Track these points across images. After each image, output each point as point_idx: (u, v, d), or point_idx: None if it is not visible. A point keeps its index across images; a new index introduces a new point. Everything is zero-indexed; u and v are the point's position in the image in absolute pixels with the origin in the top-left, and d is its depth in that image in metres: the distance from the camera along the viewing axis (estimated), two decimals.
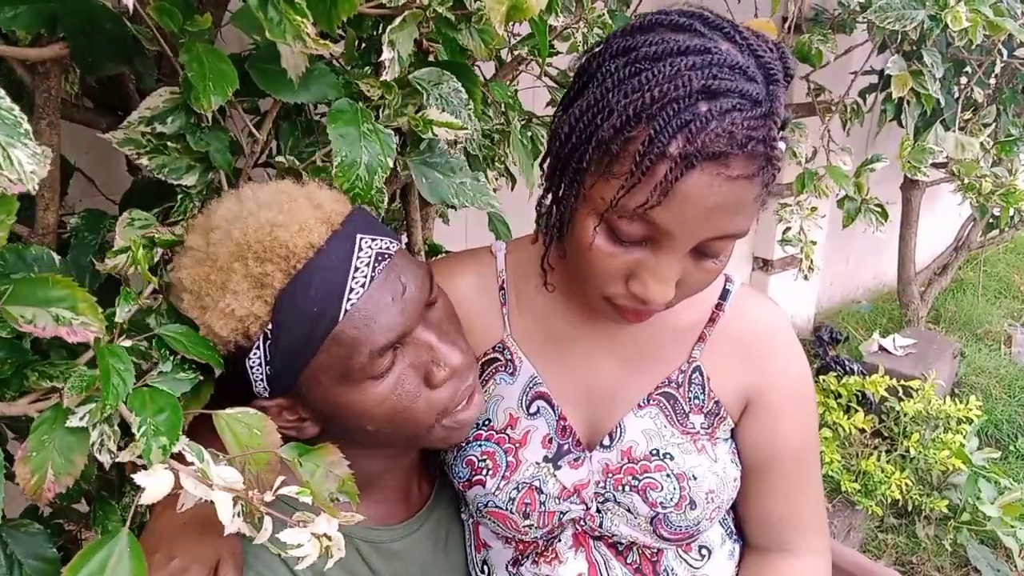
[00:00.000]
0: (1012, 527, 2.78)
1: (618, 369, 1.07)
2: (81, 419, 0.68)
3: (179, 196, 0.88)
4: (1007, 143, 2.47)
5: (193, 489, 0.61)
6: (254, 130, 0.91)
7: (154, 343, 0.74)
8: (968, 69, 2.63)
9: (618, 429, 1.05)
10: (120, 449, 0.69)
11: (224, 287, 0.79)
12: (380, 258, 0.83)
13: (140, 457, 0.65)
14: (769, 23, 1.75)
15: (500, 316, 1.09)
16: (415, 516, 1.06)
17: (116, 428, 0.69)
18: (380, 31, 0.95)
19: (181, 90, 0.83)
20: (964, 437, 3.12)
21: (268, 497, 0.63)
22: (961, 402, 3.21)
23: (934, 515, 3.06)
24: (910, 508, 3.08)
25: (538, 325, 1.08)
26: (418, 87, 0.94)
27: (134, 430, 0.64)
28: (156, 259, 0.84)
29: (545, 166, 0.93)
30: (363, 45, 1.16)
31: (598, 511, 1.05)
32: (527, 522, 1.04)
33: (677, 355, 1.08)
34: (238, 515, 0.65)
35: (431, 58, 1.04)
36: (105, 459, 0.69)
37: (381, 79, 0.89)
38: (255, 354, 0.80)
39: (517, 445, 1.05)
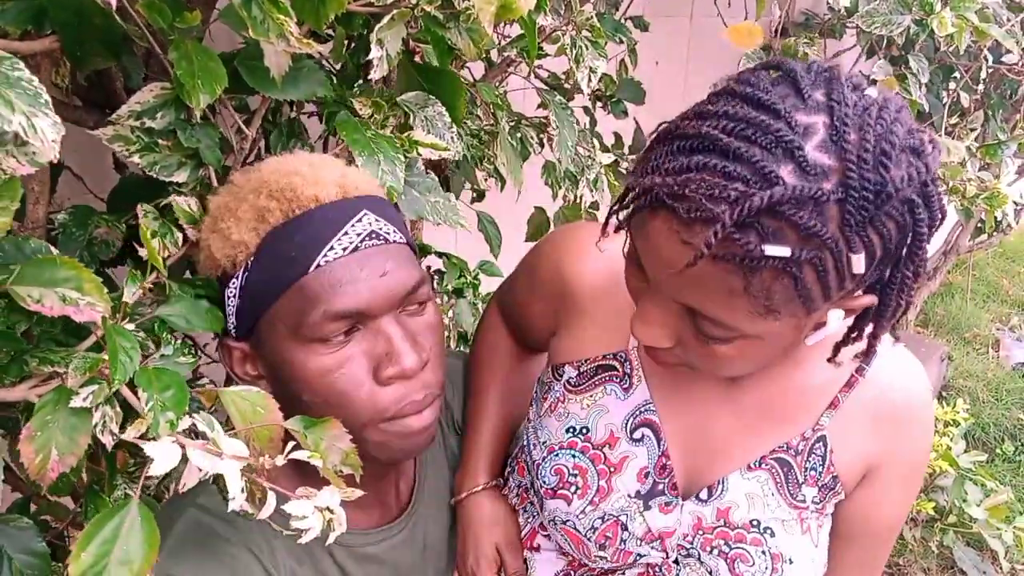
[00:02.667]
0: (998, 529, 2.81)
1: (735, 421, 0.98)
2: (84, 400, 0.69)
3: (172, 193, 0.90)
4: (991, 147, 2.51)
5: (201, 460, 0.63)
6: (243, 127, 0.93)
7: (156, 325, 0.76)
8: (956, 74, 2.67)
9: (720, 486, 0.97)
10: (122, 431, 0.71)
11: (234, 213, 0.84)
12: (373, 236, 0.85)
13: (142, 437, 0.67)
14: (756, 27, 1.78)
15: (627, 319, 0.92)
16: (394, 522, 1.03)
17: (118, 409, 0.71)
18: (369, 29, 0.97)
19: (172, 86, 0.85)
20: (951, 440, 3.14)
21: (280, 461, 0.65)
22: (948, 405, 3.24)
23: (921, 517, 3.08)
24: None
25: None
26: (405, 109, 0.99)
27: (141, 406, 0.66)
28: (180, 243, 0.87)
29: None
30: (352, 44, 1.18)
31: (676, 562, 0.98)
32: (600, 553, 0.98)
33: (803, 419, 0.97)
34: (242, 491, 0.66)
35: (418, 58, 1.06)
36: (107, 440, 0.71)
37: (372, 98, 0.92)
38: (233, 283, 0.84)
39: (612, 469, 0.98)
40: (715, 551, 0.95)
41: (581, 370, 1.02)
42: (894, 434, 0.97)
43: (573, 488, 0.98)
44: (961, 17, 1.54)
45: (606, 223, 0.90)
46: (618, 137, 1.99)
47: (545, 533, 1.08)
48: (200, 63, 0.79)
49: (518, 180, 1.35)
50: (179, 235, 0.87)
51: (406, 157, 0.99)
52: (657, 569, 0.99)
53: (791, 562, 0.95)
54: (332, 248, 0.82)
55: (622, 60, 1.90)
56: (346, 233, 0.83)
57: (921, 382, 0.99)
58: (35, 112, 0.54)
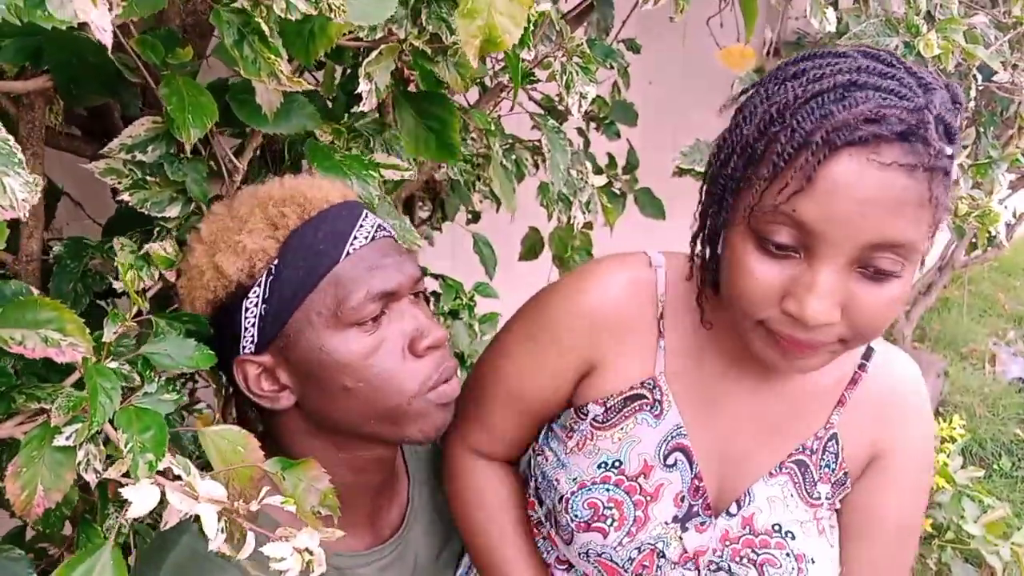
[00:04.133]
0: (995, 545, 2.80)
1: (756, 432, 1.00)
2: (68, 438, 0.70)
3: (157, 229, 0.91)
4: (982, 165, 2.51)
5: (179, 504, 0.63)
6: (234, 159, 0.94)
7: (139, 364, 0.77)
8: None
9: (747, 497, 0.99)
10: (106, 468, 0.71)
11: (241, 229, 0.87)
12: (381, 228, 0.92)
13: (126, 475, 0.67)
14: (749, 50, 1.79)
15: (655, 349, 0.99)
16: (385, 544, 1.05)
17: (102, 447, 0.72)
18: (361, 60, 0.98)
19: (163, 120, 0.87)
20: (948, 456, 3.14)
21: (254, 506, 0.66)
22: (945, 422, 3.24)
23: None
24: None
25: (692, 369, 1.00)
26: (365, 134, 1.02)
27: (121, 447, 0.67)
28: (155, 279, 0.88)
29: (698, 208, 0.92)
30: (347, 72, 1.19)
31: None
32: None
33: (815, 420, 1.01)
34: (221, 531, 0.67)
35: (411, 87, 1.07)
36: (91, 478, 0.71)
37: (332, 126, 0.96)
38: (255, 292, 0.86)
39: (648, 499, 0.98)
40: (744, 560, 0.97)
41: (608, 405, 1.01)
42: (893, 421, 1.01)
43: (609, 521, 0.98)
44: (947, 39, 1.56)
45: (697, 238, 0.93)
46: (612, 158, 1.99)
47: (563, 567, 1.09)
48: (191, 98, 0.80)
49: (511, 205, 1.36)
50: (155, 271, 0.87)
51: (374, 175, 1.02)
52: None
53: (814, 562, 0.97)
54: (356, 238, 0.88)
55: (615, 82, 1.90)
56: (362, 226, 0.89)
57: (915, 369, 1.05)
58: (7, 172, 0.55)
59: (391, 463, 1.04)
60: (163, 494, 0.65)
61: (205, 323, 0.86)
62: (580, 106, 1.27)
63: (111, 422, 0.68)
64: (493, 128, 1.31)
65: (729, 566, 0.98)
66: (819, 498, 1.00)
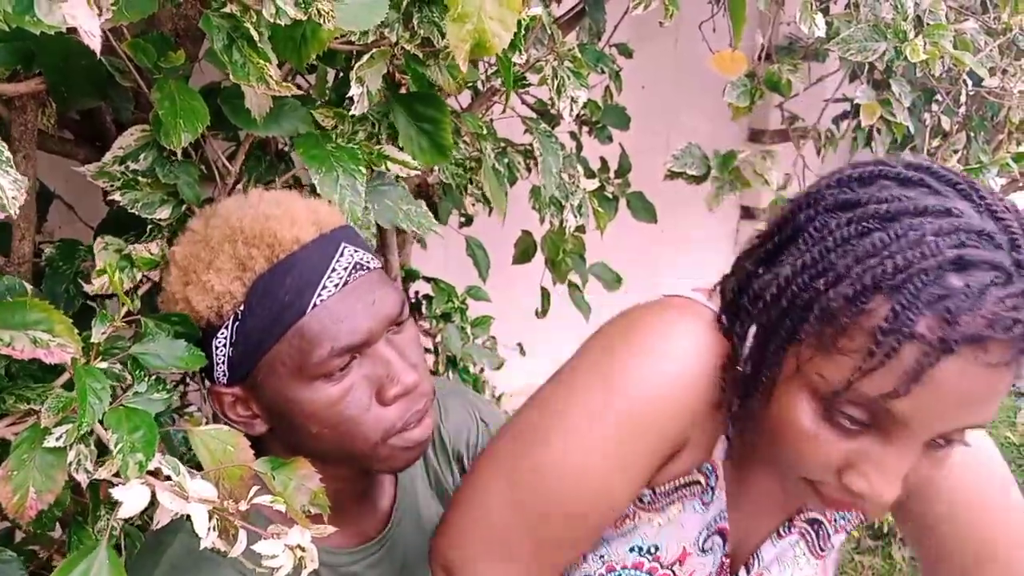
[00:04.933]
0: None
1: (770, 495, 0.92)
2: (58, 439, 0.70)
3: (148, 228, 0.91)
4: (973, 170, 2.53)
5: (169, 503, 0.63)
6: (226, 163, 0.94)
7: (129, 364, 0.77)
8: (938, 97, 2.69)
9: (755, 559, 0.94)
10: (97, 469, 0.71)
11: (210, 264, 0.84)
12: (358, 267, 0.87)
13: (116, 475, 0.68)
14: (740, 55, 1.80)
15: (716, 426, 0.85)
16: (371, 542, 1.04)
17: (93, 447, 0.72)
18: (353, 63, 0.99)
19: (151, 127, 0.87)
20: None
21: (243, 506, 0.66)
22: None
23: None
24: (886, 530, 3.11)
25: (738, 446, 0.89)
26: (373, 119, 1.00)
27: (111, 447, 0.67)
28: (138, 280, 0.88)
29: (746, 329, 0.79)
30: (339, 74, 1.20)
31: None
32: None
33: None
34: (213, 529, 0.67)
35: (403, 89, 1.08)
36: (82, 478, 0.72)
37: (335, 110, 0.94)
38: (222, 334, 0.85)
39: None
40: None
41: (658, 490, 0.88)
42: None
43: None
44: (935, 44, 1.57)
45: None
46: (604, 161, 2.00)
47: None
48: (183, 102, 0.80)
49: (502, 209, 1.37)
50: (137, 272, 0.88)
51: (373, 170, 1.01)
52: None
53: None
54: (324, 287, 0.84)
55: (607, 86, 1.91)
56: (334, 270, 0.85)
57: None
58: None
59: (370, 475, 1.04)
60: (154, 494, 0.65)
61: (195, 325, 0.86)
62: (571, 110, 1.28)
63: (101, 422, 0.69)
64: (485, 132, 1.32)
65: None
66: (832, 549, 0.97)
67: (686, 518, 0.89)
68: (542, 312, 2.03)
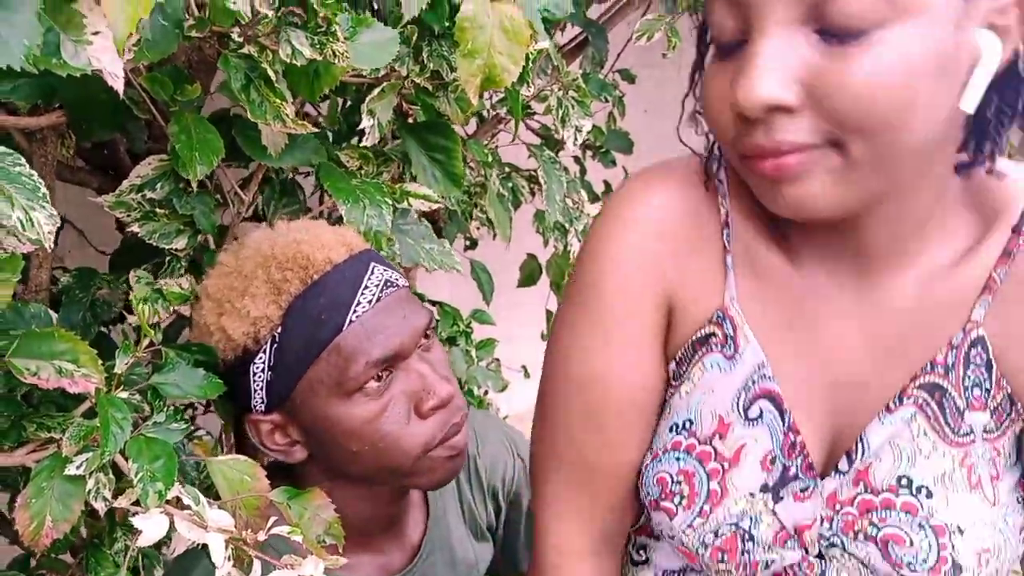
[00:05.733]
0: None
1: (869, 353, 0.75)
2: (79, 467, 0.71)
3: (168, 258, 0.93)
4: None
5: (187, 532, 0.65)
6: (240, 191, 0.96)
7: (149, 394, 0.79)
8: None
9: (859, 445, 0.74)
10: (115, 496, 0.73)
11: (244, 292, 0.87)
12: (388, 284, 0.90)
13: (135, 504, 0.69)
14: None
15: (722, 269, 0.76)
16: (404, 570, 1.05)
17: (111, 476, 0.73)
18: (362, 94, 1.01)
19: (169, 157, 0.89)
20: None
21: (261, 536, 0.67)
22: None
23: None
24: None
25: (773, 289, 0.76)
26: (394, 158, 1.01)
27: (131, 476, 0.68)
28: (169, 314, 0.90)
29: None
30: (347, 104, 1.22)
31: (820, 556, 0.75)
32: (720, 567, 0.77)
33: (948, 319, 0.72)
34: (228, 559, 0.69)
35: (410, 119, 1.10)
36: (100, 506, 0.73)
37: (359, 147, 0.96)
38: (260, 358, 0.87)
39: (725, 465, 0.76)
40: (860, 534, 0.73)
41: (678, 357, 0.79)
42: None
43: (677, 499, 0.77)
44: None
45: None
46: (608, 185, 2.02)
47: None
48: (199, 135, 0.82)
49: (506, 235, 1.39)
50: (168, 305, 0.89)
51: (396, 207, 1.03)
52: (796, 569, 0.76)
53: (961, 532, 0.71)
54: (359, 303, 0.87)
55: (610, 112, 1.94)
56: (366, 287, 0.88)
57: None
58: (33, 206, 0.57)
59: (407, 494, 1.05)
60: (172, 522, 0.66)
61: (214, 352, 0.88)
62: (576, 139, 1.30)
63: (122, 451, 0.70)
64: (491, 159, 1.34)
65: (842, 542, 0.74)
66: (971, 434, 0.72)
67: (711, 379, 0.77)
68: (547, 335, 2.04)
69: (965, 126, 0.68)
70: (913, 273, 0.73)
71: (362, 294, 0.88)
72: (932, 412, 0.73)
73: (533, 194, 1.65)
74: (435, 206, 1.04)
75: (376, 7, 0.96)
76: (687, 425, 0.78)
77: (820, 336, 0.75)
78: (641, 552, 0.88)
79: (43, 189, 0.58)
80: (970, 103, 0.62)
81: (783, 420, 0.75)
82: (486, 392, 1.99)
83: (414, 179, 1.06)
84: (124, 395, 0.77)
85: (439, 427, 0.92)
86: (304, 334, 0.86)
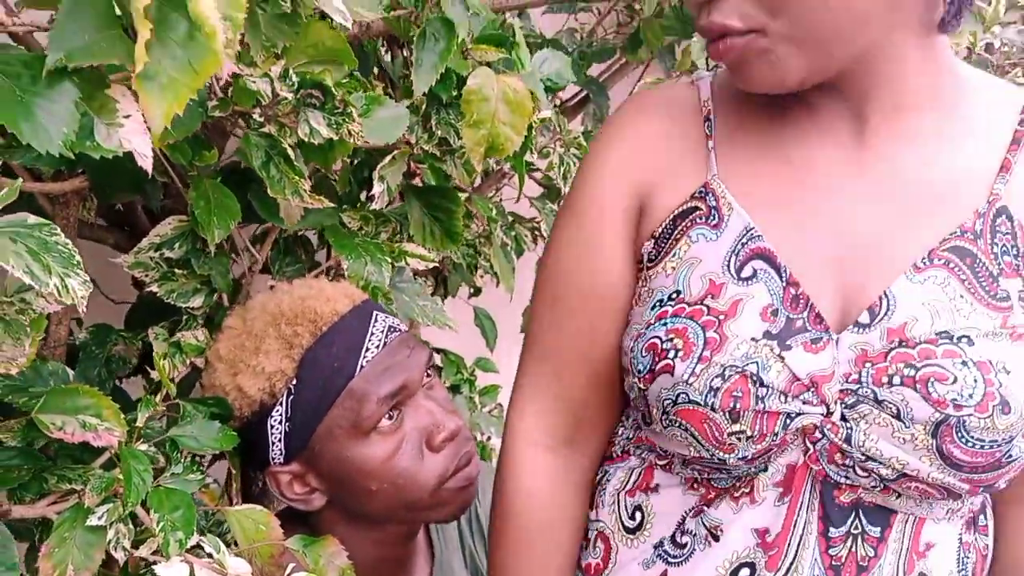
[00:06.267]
0: None
1: (884, 216, 0.76)
2: (100, 518, 0.75)
3: (185, 317, 0.97)
4: None
5: None
6: (253, 250, 1.00)
7: (167, 446, 0.82)
8: None
9: (884, 301, 0.73)
10: (135, 547, 0.76)
11: (257, 350, 0.91)
12: (392, 329, 0.96)
13: (156, 552, 0.73)
14: None
15: (704, 154, 0.81)
16: None
17: (131, 526, 0.77)
18: (373, 155, 1.06)
19: (187, 218, 0.93)
20: None
21: None
22: None
23: None
24: None
25: (762, 157, 0.80)
26: (393, 219, 1.07)
27: (152, 526, 0.72)
28: (186, 365, 0.94)
29: None
30: (354, 162, 1.27)
31: (843, 418, 0.72)
32: (735, 428, 0.73)
33: (970, 193, 0.75)
34: None
35: (417, 179, 1.14)
36: (120, 556, 0.76)
37: (360, 210, 1.01)
38: (277, 411, 0.91)
39: (720, 317, 0.75)
40: (895, 378, 0.70)
41: (657, 235, 0.82)
42: None
43: (672, 353, 0.75)
44: None
45: None
46: None
47: (663, 463, 0.85)
48: (216, 200, 0.87)
49: (510, 286, 1.43)
50: (186, 358, 0.93)
51: (394, 266, 1.08)
52: (818, 439, 0.73)
53: (1007, 371, 0.69)
54: (368, 349, 0.93)
55: None
56: (373, 334, 0.94)
57: None
58: (68, 273, 0.61)
59: (415, 536, 1.08)
60: (191, 570, 0.69)
61: (229, 405, 0.91)
62: None
63: (143, 502, 0.73)
64: (495, 214, 1.39)
65: (873, 392, 0.71)
66: (1008, 299, 0.72)
67: (699, 250, 0.78)
68: None
69: None
70: (918, 144, 0.76)
71: (369, 340, 0.93)
72: (965, 276, 0.73)
73: (536, 242, 1.69)
74: (431, 265, 1.09)
75: (389, 78, 1.02)
76: (673, 296, 0.78)
77: (821, 207, 0.77)
78: (636, 515, 0.86)
79: (77, 257, 0.62)
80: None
81: (780, 275, 0.76)
82: (489, 438, 2.02)
83: (411, 239, 1.11)
84: (144, 447, 0.80)
85: (451, 459, 0.96)
86: (319, 383, 0.90)
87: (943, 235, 0.74)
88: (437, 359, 1.91)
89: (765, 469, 0.76)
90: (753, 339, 0.73)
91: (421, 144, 0.97)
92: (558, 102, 1.59)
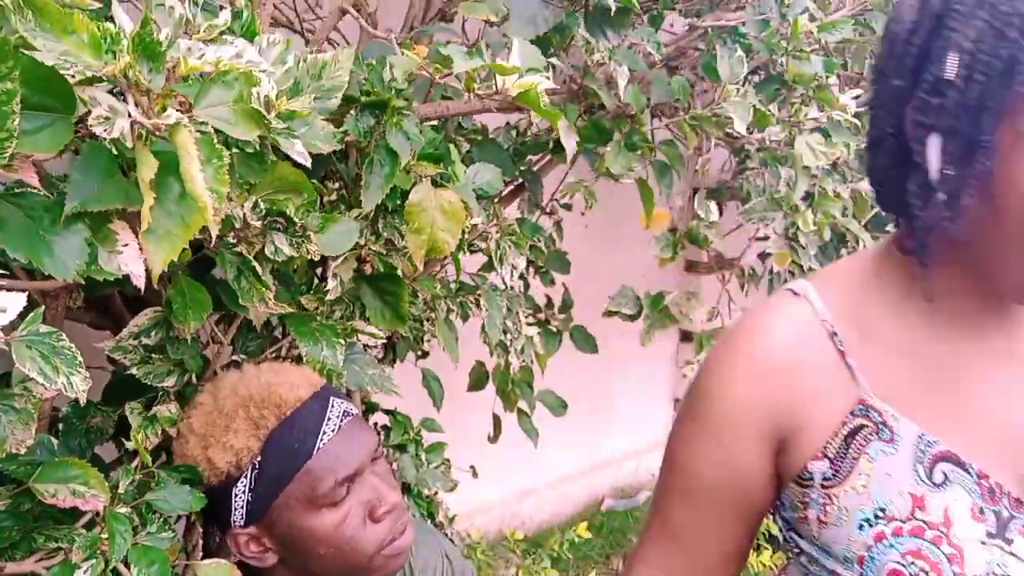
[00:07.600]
0: None
1: None
2: (85, 572, 0.88)
3: (159, 394, 1.10)
4: None
5: None
6: (220, 335, 1.14)
7: (143, 509, 0.95)
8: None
9: None
10: None
11: (227, 428, 1.04)
12: (346, 414, 1.10)
13: None
14: (663, 213, 2.04)
15: (844, 370, 0.84)
16: None
17: None
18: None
19: (163, 309, 1.06)
20: None
21: None
22: None
23: None
24: None
25: (904, 364, 0.84)
26: (347, 301, 1.21)
27: None
28: (159, 436, 1.06)
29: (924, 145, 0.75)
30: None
31: None
32: None
33: None
34: None
35: (367, 266, 1.29)
36: None
37: (317, 295, 1.17)
38: (242, 482, 1.04)
39: (943, 529, 0.78)
40: None
41: (829, 454, 0.85)
42: None
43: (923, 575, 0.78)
44: (826, 214, 1.83)
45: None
46: (549, 299, 2.22)
47: None
48: (191, 295, 1.00)
49: (455, 355, 1.58)
50: (159, 428, 1.06)
51: (346, 341, 1.22)
52: None
53: None
54: (325, 433, 1.06)
55: (550, 234, 2.13)
56: (329, 419, 1.08)
57: None
58: (72, 372, 0.75)
59: None
60: None
61: (199, 473, 1.04)
62: (512, 275, 1.51)
63: (124, 559, 0.86)
64: (439, 291, 1.54)
65: None
66: None
67: (883, 465, 0.81)
68: (494, 438, 2.21)
69: None
70: None
71: (327, 424, 1.07)
72: None
73: (479, 307, 1.84)
74: (379, 341, 1.23)
75: (343, 178, 1.16)
76: (879, 515, 0.81)
77: (971, 387, 0.82)
78: None
79: (79, 358, 0.76)
80: None
81: (970, 474, 0.79)
82: (436, 493, 2.14)
83: (363, 315, 1.25)
84: (123, 510, 0.93)
85: (389, 528, 1.10)
86: (280, 461, 1.04)
87: None
88: (385, 419, 2.04)
89: None
90: (981, 542, 0.77)
91: (370, 245, 1.12)
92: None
